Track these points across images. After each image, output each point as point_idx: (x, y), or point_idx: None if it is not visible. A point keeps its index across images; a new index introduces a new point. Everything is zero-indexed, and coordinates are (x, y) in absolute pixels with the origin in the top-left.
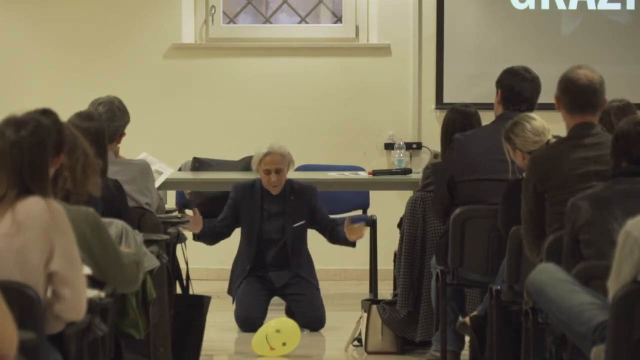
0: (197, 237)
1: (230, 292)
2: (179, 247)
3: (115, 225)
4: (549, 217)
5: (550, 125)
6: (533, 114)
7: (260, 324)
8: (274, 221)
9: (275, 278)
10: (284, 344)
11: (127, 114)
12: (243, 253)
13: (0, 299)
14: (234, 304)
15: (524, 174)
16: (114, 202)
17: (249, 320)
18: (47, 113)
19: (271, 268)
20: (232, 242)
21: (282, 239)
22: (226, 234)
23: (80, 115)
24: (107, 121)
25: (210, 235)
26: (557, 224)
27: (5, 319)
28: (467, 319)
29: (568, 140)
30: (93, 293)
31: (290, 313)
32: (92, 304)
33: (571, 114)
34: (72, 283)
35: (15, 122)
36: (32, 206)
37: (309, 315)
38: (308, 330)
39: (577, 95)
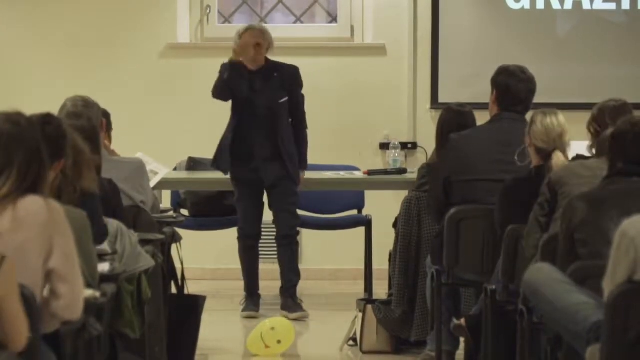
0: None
1: (217, 165)
2: (174, 246)
3: (111, 225)
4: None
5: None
6: (561, 115)
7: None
8: (261, 97)
9: (264, 174)
10: (278, 342)
11: (96, 105)
12: (232, 131)
13: (17, 293)
14: (240, 219)
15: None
16: (109, 201)
17: (252, 237)
18: (49, 118)
19: (261, 158)
20: (228, 242)
21: (269, 115)
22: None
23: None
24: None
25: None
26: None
27: (19, 311)
28: (462, 321)
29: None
30: (88, 293)
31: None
32: (87, 304)
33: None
34: (69, 280)
35: (9, 119)
36: (32, 204)
37: (285, 227)
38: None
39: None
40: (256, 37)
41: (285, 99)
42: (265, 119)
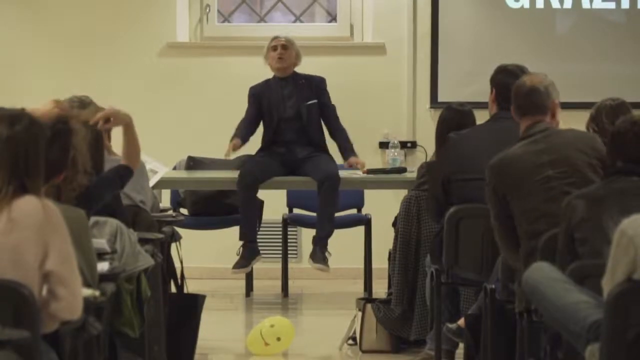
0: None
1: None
2: (173, 245)
3: (110, 224)
4: (517, 217)
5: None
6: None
7: (258, 181)
8: (289, 101)
9: (298, 150)
10: (278, 339)
11: (93, 104)
12: (263, 137)
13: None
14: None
15: None
16: (109, 202)
17: (249, 176)
18: (61, 122)
19: (293, 145)
20: (228, 241)
21: (299, 117)
22: (252, 131)
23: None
24: None
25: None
26: (525, 223)
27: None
28: (456, 324)
29: (519, 142)
30: (88, 292)
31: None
32: (86, 303)
33: (522, 117)
34: (67, 282)
35: (8, 117)
36: (27, 205)
37: (324, 170)
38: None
39: (524, 99)
40: (283, 40)
41: (314, 101)
42: (296, 121)
